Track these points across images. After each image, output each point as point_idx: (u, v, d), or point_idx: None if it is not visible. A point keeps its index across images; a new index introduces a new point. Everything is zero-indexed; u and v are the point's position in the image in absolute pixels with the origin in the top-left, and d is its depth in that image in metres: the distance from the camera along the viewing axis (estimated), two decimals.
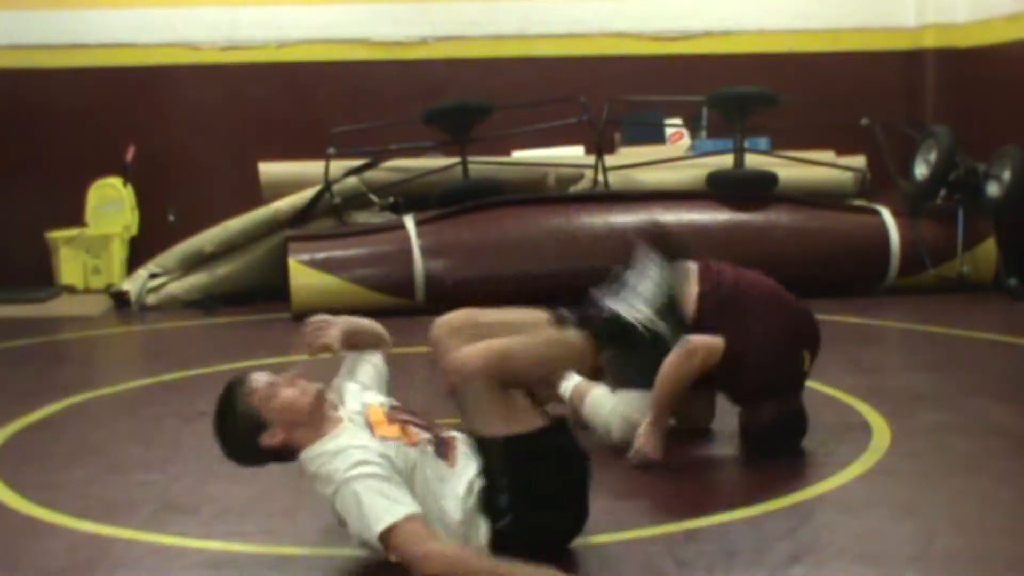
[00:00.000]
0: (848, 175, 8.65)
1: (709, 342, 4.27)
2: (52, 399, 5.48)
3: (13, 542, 3.68)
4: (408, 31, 9.51)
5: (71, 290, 8.90)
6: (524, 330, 3.54)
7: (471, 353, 3.34)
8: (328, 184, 8.18)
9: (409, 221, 7.92)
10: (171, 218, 9.20)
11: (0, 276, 8.95)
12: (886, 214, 8.13)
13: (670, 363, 4.25)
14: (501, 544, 3.25)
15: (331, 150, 8.17)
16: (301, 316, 7.44)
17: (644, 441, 4.30)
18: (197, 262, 8.40)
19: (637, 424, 4.37)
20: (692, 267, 4.44)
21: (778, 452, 4.35)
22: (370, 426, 3.36)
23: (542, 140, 8.91)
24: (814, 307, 4.52)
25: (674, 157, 8.69)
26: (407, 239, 7.78)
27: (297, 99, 9.42)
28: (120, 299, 8.36)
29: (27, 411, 5.26)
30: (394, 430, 3.35)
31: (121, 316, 8.15)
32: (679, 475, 4.23)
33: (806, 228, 8.09)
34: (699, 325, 4.28)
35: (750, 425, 4.42)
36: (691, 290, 4.36)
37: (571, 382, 4.63)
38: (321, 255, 7.75)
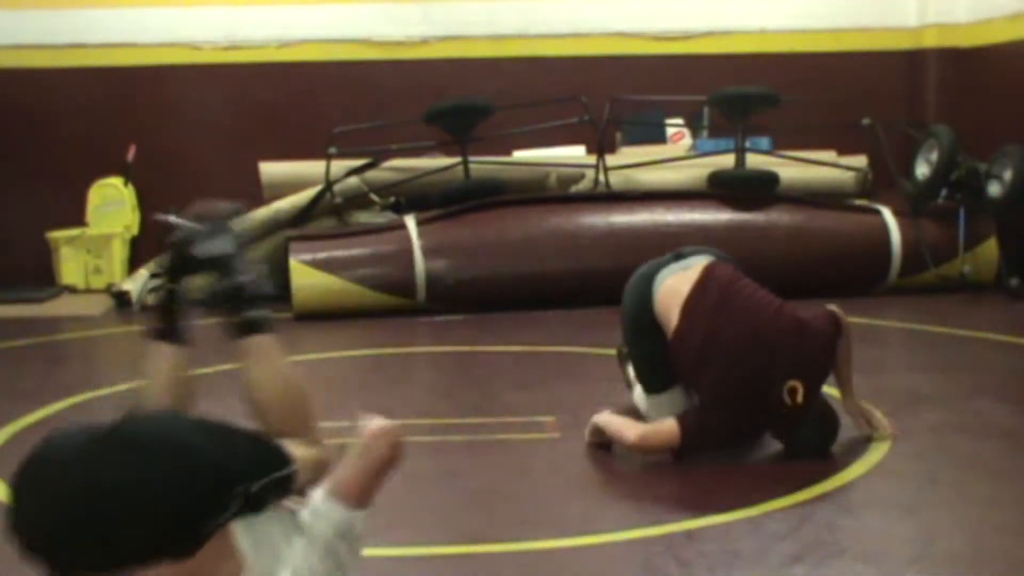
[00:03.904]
0: (849, 175, 8.65)
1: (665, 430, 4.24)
2: (52, 399, 5.47)
3: None
4: (409, 31, 9.50)
5: (72, 290, 8.90)
6: None
7: None
8: (329, 184, 8.18)
9: (410, 221, 7.91)
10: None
11: (0, 276, 8.95)
12: (887, 214, 8.12)
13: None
14: None
15: (332, 150, 8.16)
16: (302, 316, 7.55)
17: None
18: None
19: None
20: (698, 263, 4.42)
21: (807, 453, 4.30)
22: None
23: (543, 140, 8.91)
24: (815, 307, 4.49)
25: (675, 157, 8.69)
26: (408, 239, 7.78)
27: (298, 99, 9.41)
28: (121, 299, 8.35)
29: (27, 411, 5.25)
30: None
31: (122, 316, 8.14)
32: (680, 475, 4.22)
33: (807, 228, 8.08)
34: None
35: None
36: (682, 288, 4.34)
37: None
38: (322, 255, 7.75)
